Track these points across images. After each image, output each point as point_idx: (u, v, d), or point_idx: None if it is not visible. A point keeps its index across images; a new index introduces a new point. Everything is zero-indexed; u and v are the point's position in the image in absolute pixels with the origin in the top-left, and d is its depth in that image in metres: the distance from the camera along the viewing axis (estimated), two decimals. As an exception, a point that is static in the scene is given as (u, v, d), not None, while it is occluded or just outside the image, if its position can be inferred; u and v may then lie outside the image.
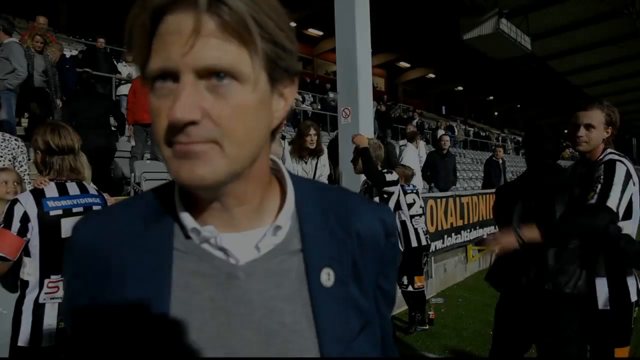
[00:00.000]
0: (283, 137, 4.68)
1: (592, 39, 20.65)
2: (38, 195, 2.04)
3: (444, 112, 34.93)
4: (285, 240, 0.56)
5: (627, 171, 2.12)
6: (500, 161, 8.81)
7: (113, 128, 6.11)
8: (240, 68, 0.47)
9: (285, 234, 0.56)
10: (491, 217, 7.97)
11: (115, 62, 9.40)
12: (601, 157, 2.26)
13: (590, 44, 21.29)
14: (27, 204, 2.00)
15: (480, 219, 7.56)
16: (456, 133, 20.06)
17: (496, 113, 39.72)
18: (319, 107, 15.25)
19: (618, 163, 2.13)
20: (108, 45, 9.32)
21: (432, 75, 31.17)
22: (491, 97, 35.45)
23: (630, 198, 2.11)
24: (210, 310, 0.52)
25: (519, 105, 37.55)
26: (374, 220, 0.63)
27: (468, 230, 7.12)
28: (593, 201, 2.07)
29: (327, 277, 0.55)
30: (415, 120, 16.06)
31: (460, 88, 33.08)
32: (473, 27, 15.91)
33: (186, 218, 0.54)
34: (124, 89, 8.51)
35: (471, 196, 7.38)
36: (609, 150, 2.27)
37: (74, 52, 11.61)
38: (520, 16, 16.81)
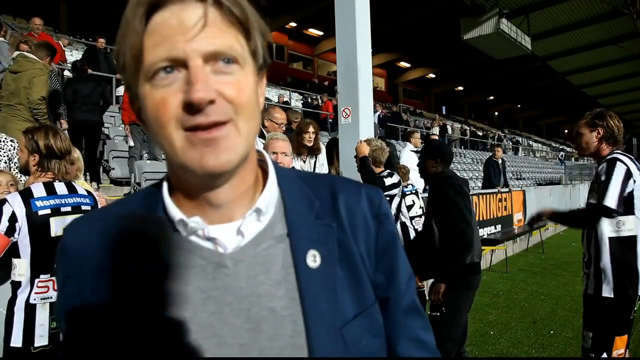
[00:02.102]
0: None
1: (592, 39, 20.66)
2: (26, 195, 2.05)
3: (444, 112, 34.91)
4: (270, 226, 0.57)
5: (627, 170, 2.32)
6: (500, 161, 8.81)
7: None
8: (241, 52, 0.52)
9: (268, 219, 0.57)
10: (492, 217, 7.98)
11: (115, 62, 9.39)
12: (608, 156, 2.47)
13: (590, 44, 21.30)
14: (15, 204, 2.00)
15: (481, 219, 7.56)
16: (450, 132, 19.72)
17: (496, 113, 39.72)
18: (301, 105, 15.06)
19: (618, 162, 2.35)
20: (108, 46, 9.31)
21: (432, 75, 31.16)
22: (491, 97, 35.44)
23: (632, 194, 2.33)
24: (200, 300, 0.52)
25: (519, 105, 37.54)
26: (361, 201, 0.62)
27: (468, 230, 7.11)
28: (593, 200, 2.36)
29: (312, 259, 0.56)
30: (378, 113, 14.78)
31: (460, 88, 33.06)
32: (473, 27, 15.91)
33: (174, 211, 0.55)
34: (123, 89, 8.52)
35: (471, 196, 7.37)
36: (616, 150, 2.48)
37: (75, 52, 11.62)
38: (520, 16, 16.81)
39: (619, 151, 2.48)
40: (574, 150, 33.67)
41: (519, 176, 18.55)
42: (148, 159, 6.43)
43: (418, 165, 3.06)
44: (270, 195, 0.58)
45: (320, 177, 0.67)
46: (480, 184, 11.04)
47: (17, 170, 3.28)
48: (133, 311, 0.51)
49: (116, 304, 0.52)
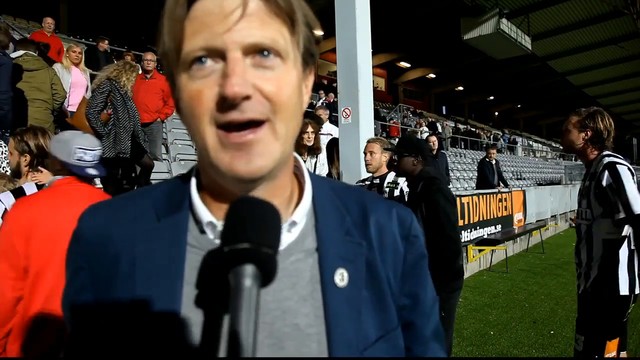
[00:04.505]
0: None
1: (592, 39, 20.66)
2: (19, 194, 2.05)
3: (444, 112, 34.90)
4: (300, 239, 0.54)
5: (629, 169, 2.29)
6: (494, 162, 8.69)
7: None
8: (284, 45, 0.48)
9: (299, 231, 0.54)
10: (491, 217, 7.99)
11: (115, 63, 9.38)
12: (597, 159, 2.42)
13: (590, 44, 21.31)
14: (8, 203, 2.00)
15: (481, 219, 7.56)
16: (440, 130, 19.14)
17: (496, 113, 39.71)
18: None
19: (618, 166, 2.29)
20: (109, 46, 9.31)
21: (432, 75, 31.15)
22: (491, 97, 35.43)
23: None
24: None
25: (519, 105, 37.53)
26: (392, 221, 0.60)
27: (468, 230, 7.12)
28: (622, 215, 2.23)
29: (340, 277, 0.53)
30: (322, 100, 13.72)
31: (461, 88, 33.05)
32: (473, 27, 15.90)
33: (202, 212, 0.52)
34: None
35: (471, 196, 7.38)
36: (605, 152, 2.42)
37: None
38: (520, 16, 16.81)
39: (607, 152, 2.43)
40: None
41: (519, 176, 18.54)
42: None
43: (396, 163, 2.90)
44: (306, 206, 0.56)
45: (351, 190, 0.63)
46: (480, 184, 11.02)
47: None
48: (149, 312, 0.48)
49: (131, 302, 0.49)
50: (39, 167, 2.17)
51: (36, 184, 2.14)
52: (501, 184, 8.57)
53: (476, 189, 8.89)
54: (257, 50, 0.46)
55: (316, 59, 0.56)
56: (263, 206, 0.43)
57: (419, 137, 8.29)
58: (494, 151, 8.83)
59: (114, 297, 0.50)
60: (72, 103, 5.57)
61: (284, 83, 0.48)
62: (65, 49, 5.60)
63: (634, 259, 2.30)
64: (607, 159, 2.35)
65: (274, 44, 0.47)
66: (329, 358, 0.50)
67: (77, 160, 1.91)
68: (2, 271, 1.61)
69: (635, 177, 2.29)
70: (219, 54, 0.46)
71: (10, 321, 1.62)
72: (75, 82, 5.70)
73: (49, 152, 2.15)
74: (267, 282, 0.39)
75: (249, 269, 0.38)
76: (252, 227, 0.41)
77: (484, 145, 21.96)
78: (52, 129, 5.12)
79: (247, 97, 0.45)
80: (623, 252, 2.29)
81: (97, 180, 2.28)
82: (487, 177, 8.51)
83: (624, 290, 2.25)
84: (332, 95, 14.35)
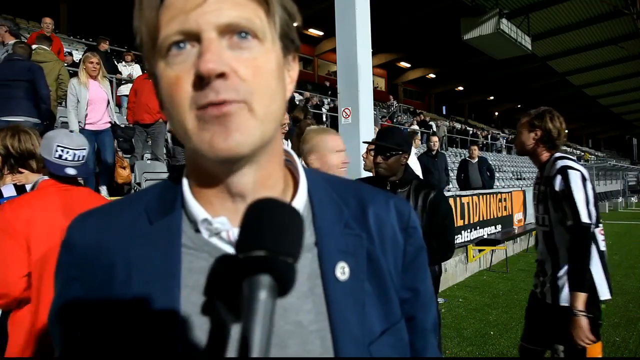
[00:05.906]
0: (286, 138, 4.67)
1: (592, 39, 20.69)
2: None
3: (444, 112, 34.91)
4: None
5: (582, 175, 2.21)
6: (475, 160, 8.37)
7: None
8: (260, 26, 0.47)
9: None
10: (492, 217, 7.99)
11: (115, 63, 9.40)
12: (549, 160, 2.36)
13: (590, 44, 21.34)
14: None
15: (481, 219, 7.56)
16: (435, 129, 18.65)
17: (496, 113, 39.73)
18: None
19: (570, 171, 2.22)
20: (109, 46, 9.32)
21: (432, 75, 31.16)
22: (491, 97, 35.45)
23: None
24: (220, 310, 0.49)
25: (519, 105, 37.55)
26: (390, 213, 0.59)
27: (468, 230, 7.12)
28: (570, 222, 2.18)
29: (341, 271, 0.52)
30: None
31: (461, 88, 33.07)
32: (473, 27, 15.93)
33: (196, 209, 0.51)
34: (125, 89, 8.54)
35: (471, 196, 7.38)
36: (558, 154, 2.36)
37: (75, 52, 11.62)
38: (520, 16, 16.83)
39: (559, 154, 2.36)
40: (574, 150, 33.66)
41: (519, 176, 18.54)
42: (149, 159, 6.44)
43: (382, 163, 2.43)
44: (302, 200, 0.54)
45: (347, 183, 0.62)
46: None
47: None
48: (147, 317, 0.47)
49: (129, 309, 0.48)
50: (19, 169, 2.10)
51: (15, 185, 2.08)
52: (487, 182, 8.21)
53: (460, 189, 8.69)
54: (233, 31, 0.46)
55: (298, 46, 0.55)
56: (283, 209, 0.41)
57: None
58: (475, 148, 8.57)
59: (111, 305, 0.49)
60: (91, 121, 4.99)
61: (262, 64, 0.47)
62: (81, 60, 5.18)
63: (604, 259, 2.22)
64: (560, 163, 2.27)
65: (250, 24, 0.46)
66: (339, 358, 0.49)
67: (57, 158, 1.85)
68: (6, 247, 1.64)
69: (588, 182, 2.22)
70: (195, 37, 0.45)
71: (18, 291, 1.62)
72: (93, 99, 4.98)
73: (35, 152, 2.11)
74: (283, 292, 0.37)
75: (264, 280, 0.36)
76: (270, 232, 0.38)
77: (482, 145, 21.93)
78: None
79: (223, 75, 0.44)
80: (593, 256, 2.18)
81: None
82: (468, 178, 8.25)
83: (604, 294, 2.17)
84: (307, 93, 14.33)
